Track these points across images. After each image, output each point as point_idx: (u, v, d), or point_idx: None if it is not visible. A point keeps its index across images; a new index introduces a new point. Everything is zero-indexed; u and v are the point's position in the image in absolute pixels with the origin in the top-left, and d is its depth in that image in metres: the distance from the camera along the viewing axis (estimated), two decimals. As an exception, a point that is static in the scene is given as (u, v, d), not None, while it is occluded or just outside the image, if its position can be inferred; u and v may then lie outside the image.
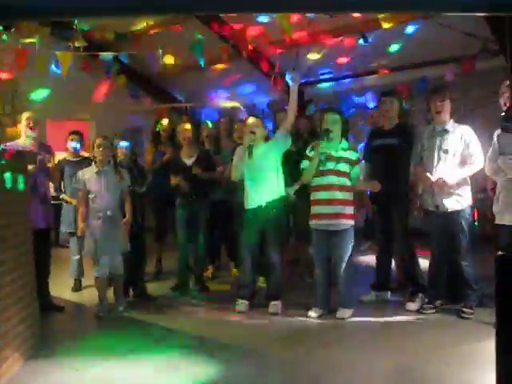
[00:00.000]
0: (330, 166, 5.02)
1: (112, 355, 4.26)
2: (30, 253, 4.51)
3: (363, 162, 5.50)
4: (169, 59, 7.21)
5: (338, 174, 5.01)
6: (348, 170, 5.03)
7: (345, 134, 5.19)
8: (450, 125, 4.91)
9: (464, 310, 4.82)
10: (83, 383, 3.83)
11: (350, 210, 5.04)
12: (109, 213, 5.31)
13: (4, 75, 7.30)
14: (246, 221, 5.40)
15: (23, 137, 5.47)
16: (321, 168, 5.04)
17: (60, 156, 6.56)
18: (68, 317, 5.56)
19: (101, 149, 5.39)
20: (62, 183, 6.38)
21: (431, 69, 8.26)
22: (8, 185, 4.07)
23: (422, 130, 5.13)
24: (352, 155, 5.07)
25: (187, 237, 6.25)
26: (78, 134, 6.56)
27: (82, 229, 5.40)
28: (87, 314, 5.50)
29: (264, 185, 5.27)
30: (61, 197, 6.38)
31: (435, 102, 4.92)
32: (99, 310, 5.39)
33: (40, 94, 8.22)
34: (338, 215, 4.99)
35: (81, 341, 4.72)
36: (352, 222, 5.06)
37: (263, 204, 5.25)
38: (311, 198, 5.14)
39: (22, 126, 5.45)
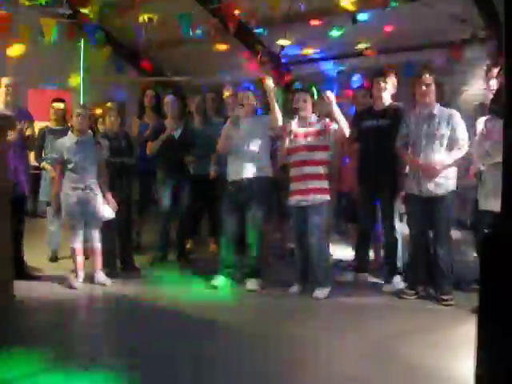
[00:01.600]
0: (301, 142, 5.08)
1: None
2: (7, 219, 4.44)
3: None
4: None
5: (308, 148, 5.06)
6: (320, 143, 5.05)
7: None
8: (437, 109, 4.87)
9: (443, 297, 4.80)
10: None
11: (322, 184, 5.05)
12: (87, 183, 5.25)
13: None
14: (227, 194, 5.37)
15: (2, 102, 5.34)
16: (293, 145, 5.09)
17: (42, 125, 6.48)
18: (43, 286, 5.48)
19: (79, 118, 5.30)
20: (43, 152, 6.29)
21: (418, 53, 8.24)
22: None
23: (407, 114, 5.09)
24: (321, 124, 5.07)
25: (169, 210, 6.24)
26: (62, 102, 6.46)
27: (57, 201, 5.32)
28: (62, 284, 5.44)
29: (248, 158, 5.25)
30: (41, 165, 6.29)
31: (420, 86, 4.88)
32: (72, 281, 5.34)
33: (16, 51, 8.02)
34: (309, 190, 5.00)
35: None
36: (326, 197, 5.05)
37: (246, 179, 5.23)
38: (290, 175, 5.16)
39: (1, 92, 5.32)
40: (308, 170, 5.04)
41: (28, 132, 5.38)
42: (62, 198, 5.31)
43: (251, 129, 5.27)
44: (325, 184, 5.07)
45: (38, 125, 6.35)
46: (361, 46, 7.99)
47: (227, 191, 5.38)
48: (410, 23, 7.63)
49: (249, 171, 5.24)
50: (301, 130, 5.12)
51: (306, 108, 5.11)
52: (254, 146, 5.27)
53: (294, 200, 5.13)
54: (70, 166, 5.28)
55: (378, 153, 5.22)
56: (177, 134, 6.22)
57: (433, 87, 4.86)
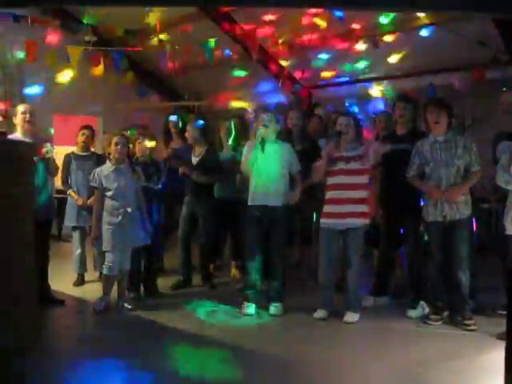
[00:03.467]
0: (341, 165, 5.09)
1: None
2: (32, 245, 4.51)
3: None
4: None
5: (349, 173, 5.06)
6: (361, 167, 5.05)
7: (359, 138, 5.20)
8: (450, 135, 4.90)
9: (465, 322, 4.77)
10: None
11: (361, 208, 5.05)
12: (128, 209, 5.33)
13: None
14: (249, 218, 5.38)
15: (20, 130, 5.36)
16: (332, 168, 5.10)
17: (65, 150, 6.57)
18: (68, 311, 5.53)
19: (119, 147, 5.39)
20: (69, 177, 6.38)
21: (440, 76, 8.25)
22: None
23: (421, 142, 5.06)
24: (362, 149, 5.09)
25: (189, 235, 6.29)
26: (90, 129, 6.57)
27: (96, 227, 5.38)
28: (87, 308, 5.47)
29: (271, 182, 5.26)
30: (68, 192, 6.38)
31: (432, 113, 4.90)
32: (97, 305, 5.36)
33: (34, 90, 8.19)
34: (347, 214, 5.01)
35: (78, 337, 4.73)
36: (364, 221, 5.06)
37: (268, 203, 5.25)
38: (325, 198, 5.18)
39: (19, 120, 5.34)
40: (348, 194, 5.04)
41: (47, 155, 5.39)
42: (102, 225, 5.37)
43: (275, 153, 5.29)
44: (364, 208, 5.07)
45: (63, 150, 6.46)
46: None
47: (250, 215, 5.39)
48: (432, 47, 7.66)
49: (272, 196, 5.25)
50: (343, 154, 5.11)
51: (349, 132, 5.12)
52: (278, 169, 5.29)
53: (328, 223, 5.12)
54: (108, 194, 5.35)
55: (401, 176, 5.19)
56: (195, 160, 6.26)
57: (444, 114, 4.87)
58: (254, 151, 5.32)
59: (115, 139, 5.43)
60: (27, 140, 5.21)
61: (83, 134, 6.46)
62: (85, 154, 6.43)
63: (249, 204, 5.36)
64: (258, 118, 5.43)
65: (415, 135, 5.27)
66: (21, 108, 5.41)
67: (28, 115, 5.33)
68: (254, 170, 5.35)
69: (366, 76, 9.10)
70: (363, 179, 5.11)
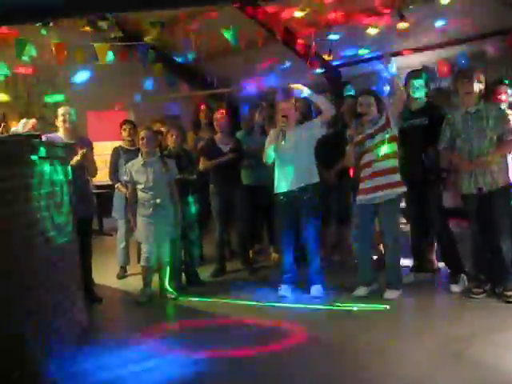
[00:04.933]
0: (368, 143, 5.08)
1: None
2: (75, 243, 4.64)
3: None
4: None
5: (376, 147, 5.04)
6: (385, 137, 5.02)
7: (381, 113, 5.14)
8: (482, 105, 4.80)
9: (506, 293, 4.70)
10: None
11: (392, 178, 5.02)
12: (158, 201, 5.41)
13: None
14: (278, 206, 5.40)
15: (61, 131, 5.52)
16: (362, 149, 5.11)
17: (101, 146, 6.67)
18: (112, 303, 5.68)
19: (144, 141, 5.47)
20: (117, 171, 6.44)
21: (473, 44, 8.06)
22: (60, 176, 4.20)
23: (452, 114, 4.98)
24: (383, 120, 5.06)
25: (224, 223, 6.37)
26: (130, 123, 6.69)
27: (133, 218, 5.54)
28: (131, 300, 5.60)
29: (296, 169, 5.25)
30: (116, 186, 6.48)
31: (462, 83, 4.81)
32: (140, 296, 5.49)
33: (80, 77, 8.35)
34: (380, 187, 4.99)
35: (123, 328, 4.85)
36: (398, 191, 5.03)
37: (295, 189, 5.24)
38: (360, 177, 5.17)
39: (59, 121, 5.50)
40: (377, 167, 5.02)
41: (88, 157, 5.51)
42: (135, 217, 5.51)
43: (297, 139, 5.26)
44: (396, 177, 5.04)
45: (98, 146, 6.55)
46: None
47: (278, 203, 5.39)
48: (461, 15, 7.47)
49: (297, 182, 5.24)
50: (368, 131, 5.09)
51: (369, 112, 5.08)
52: (302, 156, 5.27)
53: (362, 199, 5.12)
54: (139, 187, 5.46)
55: (418, 152, 5.16)
56: (225, 149, 6.29)
57: (476, 83, 4.77)
58: (275, 141, 5.29)
59: (141, 134, 5.52)
60: (68, 141, 5.33)
61: (125, 130, 6.58)
62: (133, 148, 6.51)
63: (276, 192, 5.38)
64: (278, 105, 5.42)
65: (431, 109, 5.24)
66: (60, 111, 5.56)
67: (67, 116, 5.47)
68: (277, 159, 5.34)
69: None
70: (390, 148, 5.05)
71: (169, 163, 5.57)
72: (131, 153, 6.34)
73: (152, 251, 5.45)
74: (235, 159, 6.25)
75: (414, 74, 5.38)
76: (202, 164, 6.29)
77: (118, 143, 6.74)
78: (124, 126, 6.61)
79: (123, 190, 6.30)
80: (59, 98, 8.19)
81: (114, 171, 6.47)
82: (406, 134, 5.24)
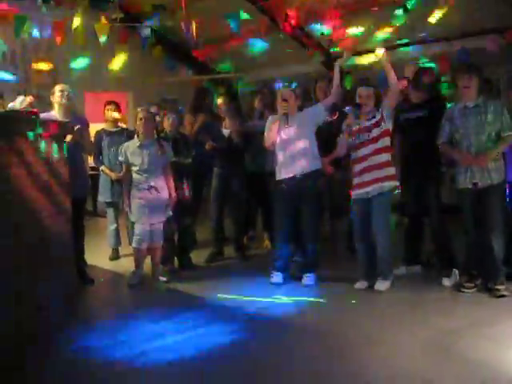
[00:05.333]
0: (363, 137, 5.07)
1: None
2: (69, 222, 4.62)
3: None
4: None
5: (371, 141, 5.04)
6: (380, 131, 5.02)
7: (378, 105, 5.12)
8: (481, 100, 4.79)
9: (497, 287, 4.73)
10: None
11: (386, 171, 5.02)
12: (151, 183, 5.40)
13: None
14: (278, 193, 5.40)
15: (57, 108, 5.44)
16: (356, 141, 5.09)
17: (97, 127, 6.64)
18: (103, 285, 5.68)
19: (143, 121, 5.44)
20: (101, 154, 6.46)
21: (473, 40, 8.04)
22: (55, 154, 4.16)
23: (450, 108, 4.98)
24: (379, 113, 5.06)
25: (221, 207, 6.34)
26: (115, 104, 6.62)
27: (127, 200, 5.52)
28: (122, 282, 5.61)
29: (299, 155, 5.25)
30: (101, 168, 6.47)
31: (461, 78, 4.80)
32: (131, 278, 5.51)
33: (80, 63, 8.31)
34: (373, 181, 5.00)
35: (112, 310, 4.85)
36: (390, 184, 5.03)
37: (296, 175, 5.24)
38: (354, 171, 5.16)
39: (56, 98, 5.42)
40: (371, 161, 5.03)
41: (84, 135, 5.47)
42: (129, 199, 5.50)
43: (299, 125, 5.26)
44: (390, 171, 5.05)
45: (95, 127, 6.53)
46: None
47: (279, 189, 5.39)
48: (462, 10, 7.45)
49: (300, 168, 5.24)
50: (365, 125, 5.08)
51: (368, 103, 5.08)
52: (304, 141, 5.27)
53: (357, 193, 5.13)
54: (134, 169, 5.45)
55: (418, 144, 5.16)
56: (226, 132, 6.27)
57: (475, 79, 4.76)
58: (275, 126, 5.29)
59: (139, 115, 5.49)
60: (63, 119, 5.28)
61: (108, 110, 6.53)
62: (115, 129, 6.49)
63: (277, 179, 5.37)
64: (278, 92, 5.41)
65: (431, 101, 5.23)
66: (58, 87, 5.49)
67: (66, 93, 5.41)
68: (279, 145, 5.33)
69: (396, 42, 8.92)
70: (384, 142, 5.06)
71: (165, 146, 5.55)
72: (114, 135, 6.33)
73: (145, 233, 5.44)
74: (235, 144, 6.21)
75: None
76: (208, 146, 6.26)
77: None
78: (108, 107, 6.57)
79: (108, 171, 6.33)
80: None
81: (98, 155, 6.45)
82: (406, 126, 5.23)
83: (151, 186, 5.41)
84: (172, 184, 5.58)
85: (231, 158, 6.26)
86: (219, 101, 6.48)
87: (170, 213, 5.59)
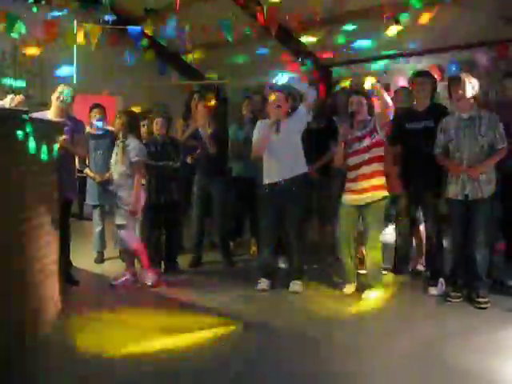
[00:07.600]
0: (356, 146, 5.07)
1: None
2: (56, 223, 4.58)
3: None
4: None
5: (363, 151, 5.05)
6: (374, 140, 5.03)
7: (371, 114, 5.16)
8: (475, 111, 4.81)
9: (479, 300, 4.74)
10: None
11: (377, 181, 5.04)
12: (112, 187, 5.48)
13: (32, 50, 7.33)
14: (264, 197, 5.39)
15: (52, 108, 5.43)
16: (349, 150, 5.10)
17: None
18: (88, 288, 5.61)
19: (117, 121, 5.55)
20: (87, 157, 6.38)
21: (464, 52, 8.10)
22: (44, 156, 4.11)
23: (445, 119, 4.99)
24: (372, 123, 5.08)
25: (202, 213, 6.33)
26: (100, 108, 6.57)
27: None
28: (107, 285, 5.56)
29: (286, 160, 5.24)
30: (84, 171, 6.43)
31: (456, 89, 4.82)
32: (117, 281, 5.49)
33: (64, 71, 8.25)
34: (364, 189, 5.02)
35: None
36: (381, 194, 5.04)
37: (283, 180, 5.23)
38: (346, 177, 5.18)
39: (54, 98, 5.40)
40: (363, 170, 5.04)
41: (79, 142, 5.45)
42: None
43: (289, 129, 5.25)
44: (380, 180, 5.06)
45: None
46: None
47: (263, 193, 5.39)
48: (455, 22, 7.51)
49: (286, 172, 5.23)
50: (358, 133, 5.09)
51: (362, 111, 5.09)
52: (292, 146, 5.27)
53: (347, 200, 5.13)
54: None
55: (423, 154, 5.14)
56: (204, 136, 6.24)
57: (469, 89, 4.77)
58: (265, 132, 5.27)
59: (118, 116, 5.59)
60: (57, 120, 5.24)
61: (95, 115, 6.48)
62: (100, 133, 6.44)
63: (263, 183, 5.36)
64: (269, 96, 5.41)
65: (435, 111, 5.22)
66: (59, 88, 5.45)
67: (63, 94, 5.37)
68: (268, 150, 5.31)
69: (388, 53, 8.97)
70: (377, 152, 5.07)
71: (130, 145, 5.45)
72: (100, 138, 6.32)
73: (129, 234, 5.43)
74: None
75: (421, 73, 5.43)
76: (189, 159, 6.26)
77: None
78: (94, 110, 6.52)
79: (91, 174, 6.33)
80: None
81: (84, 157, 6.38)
82: (409, 136, 5.24)
83: (117, 186, 5.46)
84: (138, 183, 5.43)
85: (209, 165, 6.22)
86: (199, 106, 6.42)
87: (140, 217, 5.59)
